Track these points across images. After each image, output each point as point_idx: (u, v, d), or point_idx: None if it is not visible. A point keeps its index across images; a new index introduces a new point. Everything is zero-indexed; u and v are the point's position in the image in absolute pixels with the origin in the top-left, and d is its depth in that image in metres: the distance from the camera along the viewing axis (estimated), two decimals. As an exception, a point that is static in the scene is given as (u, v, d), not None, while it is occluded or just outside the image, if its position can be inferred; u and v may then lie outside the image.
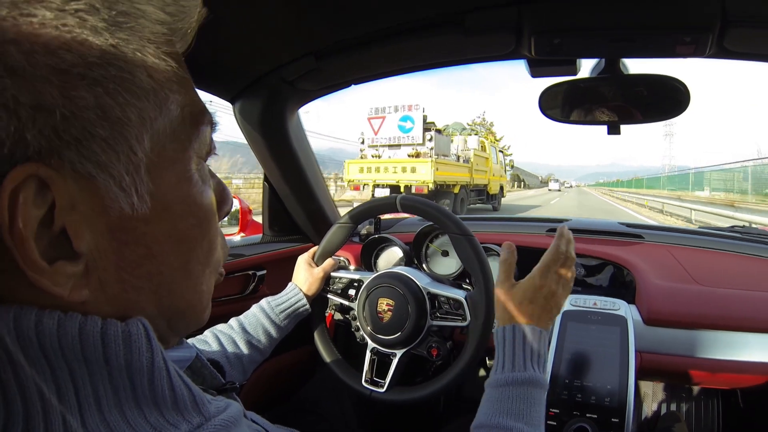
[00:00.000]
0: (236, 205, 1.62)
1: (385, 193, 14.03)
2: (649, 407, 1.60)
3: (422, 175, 14.07)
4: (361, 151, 16.09)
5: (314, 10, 0.88)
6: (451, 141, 17.30)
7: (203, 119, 0.42)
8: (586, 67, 1.03)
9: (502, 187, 21.38)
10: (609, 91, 1.03)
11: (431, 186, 13.87)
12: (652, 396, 1.61)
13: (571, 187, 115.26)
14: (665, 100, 1.00)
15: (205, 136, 0.43)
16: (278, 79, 1.15)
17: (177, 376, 0.40)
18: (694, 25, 0.82)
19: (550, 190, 76.75)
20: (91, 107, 0.32)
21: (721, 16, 0.79)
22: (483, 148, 18.99)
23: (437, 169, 14.15)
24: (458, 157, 16.86)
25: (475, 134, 22.36)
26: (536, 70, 1.02)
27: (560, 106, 1.09)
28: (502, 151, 22.45)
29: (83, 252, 0.35)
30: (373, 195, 14.44)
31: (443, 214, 1.18)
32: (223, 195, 0.49)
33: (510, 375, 0.80)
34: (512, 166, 25.93)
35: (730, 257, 1.47)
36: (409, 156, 14.97)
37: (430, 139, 14.86)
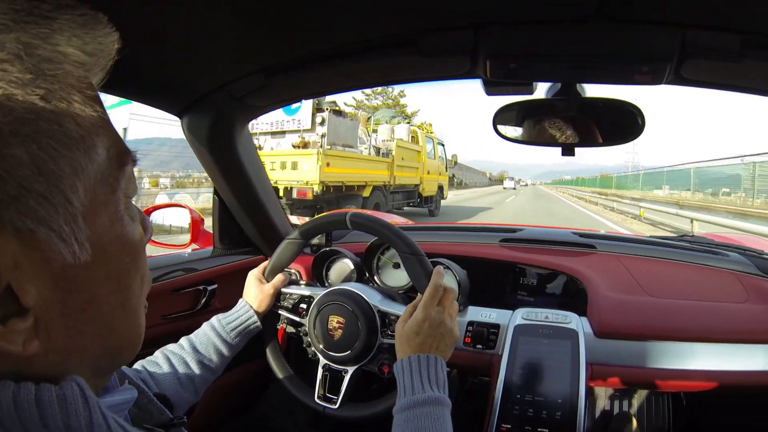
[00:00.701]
0: (188, 215, 1.53)
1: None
2: (602, 405, 1.60)
3: (305, 174, 9.99)
4: (241, 141, 11.48)
5: (264, 27, 0.81)
6: (374, 130, 13.66)
7: (127, 159, 0.42)
8: (543, 86, 0.99)
9: (441, 188, 16.99)
10: (565, 114, 0.99)
11: (318, 189, 9.88)
12: (604, 395, 1.61)
13: (526, 185, 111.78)
14: (621, 124, 0.97)
15: (130, 175, 0.43)
16: (226, 94, 1.08)
17: (118, 427, 0.39)
18: (653, 56, 0.79)
19: (505, 188, 69.99)
20: (26, 164, 0.32)
21: (680, 48, 0.76)
22: (414, 139, 14.72)
23: (328, 165, 9.94)
24: (378, 150, 12.89)
25: (406, 122, 17.17)
26: (491, 89, 0.97)
27: (515, 126, 1.05)
28: (442, 144, 17.14)
29: (31, 306, 0.34)
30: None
31: (393, 233, 1.13)
32: (145, 225, 0.49)
33: (411, 398, 0.85)
34: (455, 163, 21.94)
35: (679, 267, 1.47)
36: (293, 147, 10.56)
37: (322, 123, 10.63)
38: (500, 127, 1.05)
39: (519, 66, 0.85)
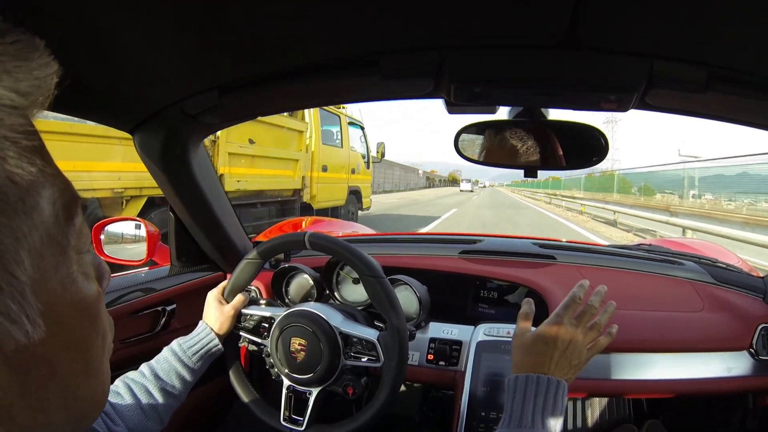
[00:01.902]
0: (143, 229, 1.44)
1: None
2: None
3: None
4: None
5: (218, 46, 0.74)
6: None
7: (75, 209, 0.34)
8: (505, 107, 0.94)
9: (357, 194, 10.94)
10: (528, 136, 0.95)
11: None
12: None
13: (484, 187, 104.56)
14: (583, 148, 0.94)
15: (80, 227, 0.35)
16: (179, 112, 0.99)
17: None
18: (620, 85, 0.75)
19: (461, 191, 63.39)
20: None
21: (648, 78, 0.73)
22: (296, 113, 8.16)
23: None
24: None
25: None
26: (453, 108, 0.92)
27: (477, 147, 1.01)
28: (359, 126, 10.86)
29: None
30: None
31: (353, 255, 1.09)
32: (100, 271, 0.41)
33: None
34: (382, 156, 11.61)
35: (637, 277, 1.46)
36: None
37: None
38: (461, 147, 1.00)
39: (484, 90, 0.81)
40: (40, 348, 0.31)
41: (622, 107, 0.79)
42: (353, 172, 10.51)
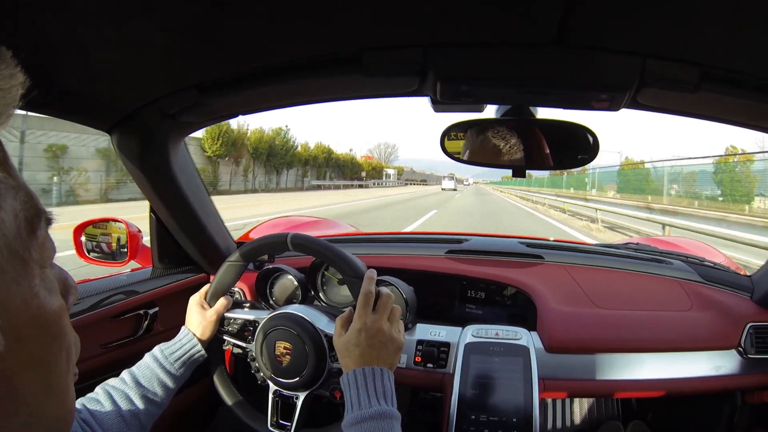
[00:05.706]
0: (123, 229, 1.39)
1: None
2: (550, 407, 1.59)
3: None
4: None
5: (196, 43, 0.71)
6: None
7: (39, 222, 0.33)
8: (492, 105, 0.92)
9: None
10: (516, 135, 0.92)
11: None
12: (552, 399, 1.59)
13: (468, 185, 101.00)
14: (574, 147, 0.91)
15: (43, 240, 0.34)
16: (158, 111, 0.96)
17: None
18: (612, 85, 0.74)
19: (443, 189, 54.11)
20: None
21: (639, 77, 0.71)
22: None
23: None
24: None
25: None
26: (439, 107, 0.90)
27: (463, 146, 0.98)
28: None
29: None
30: None
31: (337, 256, 1.05)
32: (66, 285, 0.39)
33: (358, 414, 0.82)
34: None
35: (625, 276, 1.45)
36: None
37: None
38: (448, 147, 0.98)
39: (471, 88, 0.78)
40: None
41: (614, 106, 0.77)
42: None
